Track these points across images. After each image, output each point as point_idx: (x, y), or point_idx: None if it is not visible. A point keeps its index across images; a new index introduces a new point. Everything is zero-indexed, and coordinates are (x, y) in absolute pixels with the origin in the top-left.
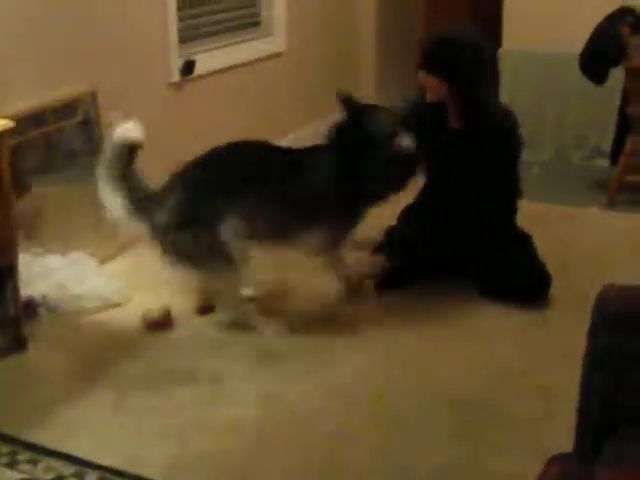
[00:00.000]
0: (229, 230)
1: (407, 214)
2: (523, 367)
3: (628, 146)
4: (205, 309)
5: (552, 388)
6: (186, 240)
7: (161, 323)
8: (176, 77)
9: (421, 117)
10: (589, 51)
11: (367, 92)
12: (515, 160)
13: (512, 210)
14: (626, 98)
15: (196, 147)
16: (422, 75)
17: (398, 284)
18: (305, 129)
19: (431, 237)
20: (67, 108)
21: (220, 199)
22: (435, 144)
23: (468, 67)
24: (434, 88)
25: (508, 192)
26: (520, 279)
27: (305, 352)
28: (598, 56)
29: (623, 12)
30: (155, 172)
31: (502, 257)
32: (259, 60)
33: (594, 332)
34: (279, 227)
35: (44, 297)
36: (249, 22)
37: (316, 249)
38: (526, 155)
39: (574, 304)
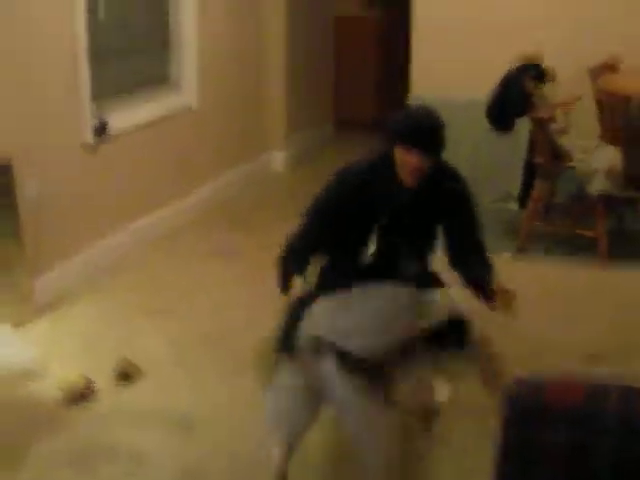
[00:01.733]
0: None
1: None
2: None
3: (535, 193)
4: (124, 376)
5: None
6: None
7: (81, 395)
8: (90, 138)
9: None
10: (495, 102)
11: (276, 143)
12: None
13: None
14: (532, 147)
15: (113, 207)
16: (422, 159)
17: None
18: (218, 180)
19: None
20: None
21: None
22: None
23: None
24: (426, 169)
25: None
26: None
27: (222, 424)
28: (504, 107)
29: (527, 64)
30: (72, 236)
31: None
32: (170, 116)
33: (504, 426)
34: None
35: None
36: (160, 79)
37: None
38: None
39: None
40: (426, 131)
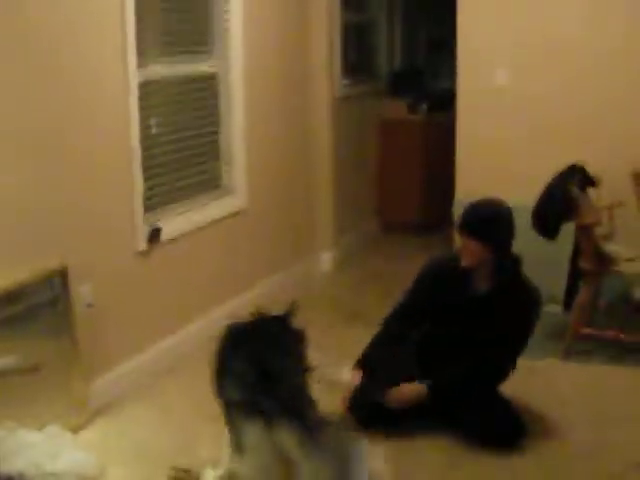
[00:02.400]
0: None
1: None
2: None
3: (581, 298)
4: None
5: None
6: None
7: None
8: (143, 245)
9: (443, 278)
10: (540, 210)
11: (324, 243)
12: (532, 327)
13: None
14: (577, 251)
15: (165, 311)
16: (465, 239)
17: (378, 422)
18: (268, 281)
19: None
20: (38, 285)
21: None
22: (451, 305)
23: (509, 237)
24: (474, 252)
25: (514, 352)
26: (500, 427)
27: None
28: (549, 214)
29: (572, 170)
30: (125, 341)
31: (480, 407)
32: (221, 219)
33: None
34: None
35: (20, 474)
36: (211, 185)
37: None
38: None
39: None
40: (469, 215)
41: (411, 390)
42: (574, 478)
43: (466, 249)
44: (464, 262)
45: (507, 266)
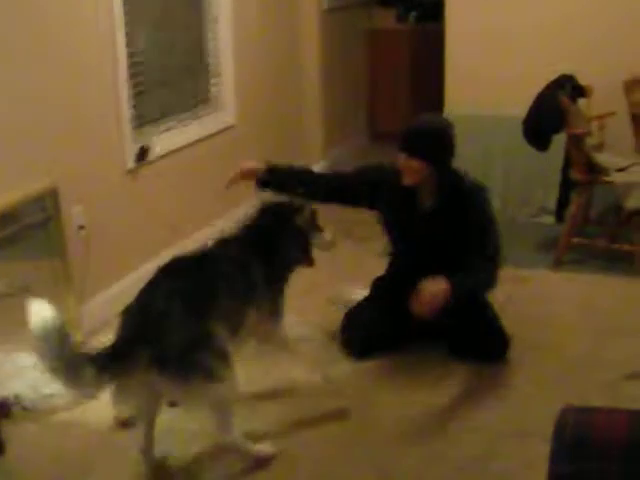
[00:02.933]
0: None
1: (377, 286)
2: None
3: (572, 208)
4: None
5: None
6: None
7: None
8: (131, 164)
9: (392, 198)
10: (531, 120)
11: (314, 155)
12: (490, 228)
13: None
14: (568, 162)
15: (156, 230)
16: (404, 159)
17: (372, 350)
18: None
19: (399, 310)
20: (30, 206)
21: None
22: (406, 223)
23: (450, 156)
24: (415, 171)
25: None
26: (483, 340)
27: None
28: (540, 125)
29: (562, 81)
30: (118, 261)
31: (466, 320)
32: (210, 135)
33: (555, 458)
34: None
35: (17, 397)
36: (199, 100)
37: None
38: None
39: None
40: (409, 134)
41: (438, 288)
42: (566, 388)
43: (408, 168)
44: (406, 181)
45: (448, 181)
